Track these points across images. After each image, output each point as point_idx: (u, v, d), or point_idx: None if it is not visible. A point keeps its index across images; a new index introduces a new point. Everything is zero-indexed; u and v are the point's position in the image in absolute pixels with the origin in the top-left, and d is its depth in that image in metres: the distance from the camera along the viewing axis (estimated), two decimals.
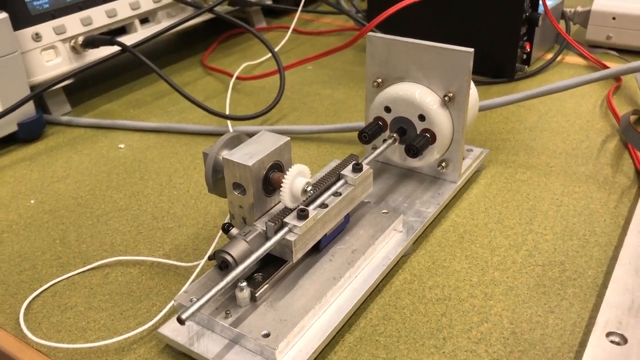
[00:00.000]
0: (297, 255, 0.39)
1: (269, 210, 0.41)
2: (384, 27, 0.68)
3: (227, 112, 0.68)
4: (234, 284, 0.37)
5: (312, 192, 0.39)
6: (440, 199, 0.49)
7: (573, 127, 0.63)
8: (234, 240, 0.38)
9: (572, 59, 0.79)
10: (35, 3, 0.65)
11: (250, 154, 0.39)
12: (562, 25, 0.82)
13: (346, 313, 0.39)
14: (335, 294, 0.40)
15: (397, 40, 0.49)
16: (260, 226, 0.39)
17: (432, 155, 0.50)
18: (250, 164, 0.38)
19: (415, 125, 0.49)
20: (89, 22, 0.69)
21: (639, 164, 0.55)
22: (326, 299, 0.39)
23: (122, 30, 0.75)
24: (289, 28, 0.88)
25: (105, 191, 0.56)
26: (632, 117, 0.60)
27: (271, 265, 0.40)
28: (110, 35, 0.71)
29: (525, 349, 0.38)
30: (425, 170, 0.53)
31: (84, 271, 0.46)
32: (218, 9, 0.77)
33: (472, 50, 0.46)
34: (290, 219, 0.39)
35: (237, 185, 0.40)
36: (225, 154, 0.40)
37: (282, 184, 0.38)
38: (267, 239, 0.38)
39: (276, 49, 0.81)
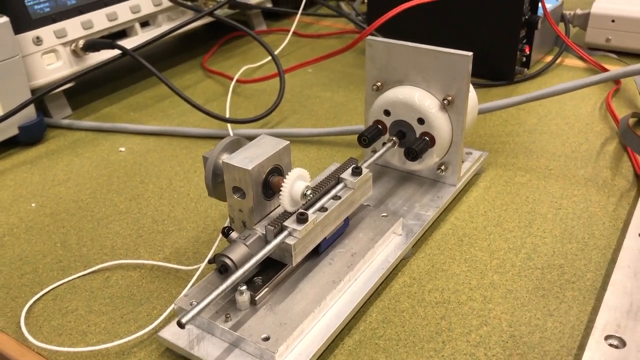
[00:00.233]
0: (297, 258, 0.39)
1: (268, 214, 0.41)
2: (383, 30, 0.68)
3: (227, 115, 0.68)
4: (234, 288, 0.37)
5: (311, 195, 0.39)
6: (439, 202, 0.50)
7: (572, 130, 0.63)
8: (233, 244, 0.38)
9: (571, 61, 0.79)
10: (36, 7, 0.65)
11: (250, 158, 0.39)
12: (561, 27, 0.82)
13: (346, 316, 0.39)
14: (334, 297, 0.40)
15: (396, 44, 0.49)
16: (260, 230, 0.40)
17: (431, 158, 0.50)
18: (249, 168, 0.38)
19: (415, 129, 0.49)
20: (90, 25, 0.69)
21: (638, 167, 0.55)
22: (326, 303, 0.39)
23: (123, 33, 0.75)
24: (289, 31, 0.88)
25: (106, 194, 0.56)
26: (631, 120, 0.60)
27: (271, 269, 0.41)
28: (110, 38, 0.71)
29: (524, 352, 0.38)
30: (424, 173, 0.53)
31: (84, 275, 0.46)
32: (218, 12, 0.77)
33: (470, 54, 0.47)
34: (289, 223, 0.39)
35: (236, 189, 0.40)
36: (225, 157, 0.40)
37: (281, 188, 0.39)
38: (267, 242, 0.39)
39: (276, 52, 0.81)
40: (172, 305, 0.41)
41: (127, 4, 0.73)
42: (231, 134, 0.64)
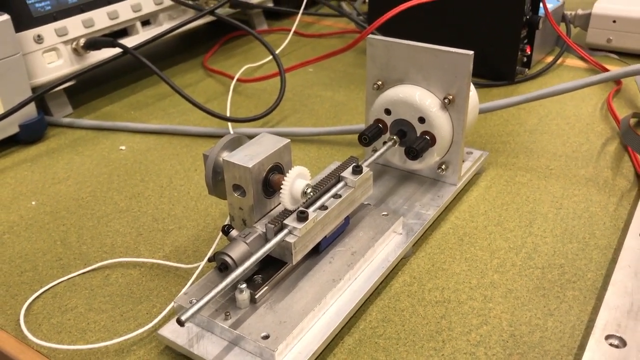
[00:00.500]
0: (297, 257, 0.39)
1: (268, 212, 0.41)
2: (384, 30, 0.68)
3: (228, 114, 0.68)
4: (234, 286, 0.37)
5: (312, 194, 0.39)
6: (440, 202, 0.50)
7: (573, 130, 0.63)
8: (233, 242, 0.38)
9: (572, 61, 0.79)
10: (37, 5, 0.65)
11: (250, 156, 0.39)
12: (562, 28, 0.82)
13: (345, 315, 0.39)
14: (334, 296, 0.40)
15: (397, 43, 0.49)
16: (260, 228, 0.39)
17: (432, 157, 0.50)
18: (250, 166, 0.38)
19: (415, 128, 0.49)
20: (91, 24, 0.69)
21: (638, 167, 0.55)
22: (325, 301, 0.39)
23: (124, 32, 0.75)
24: (290, 30, 0.88)
25: (106, 193, 0.56)
26: (632, 120, 0.60)
27: (271, 267, 0.40)
28: (111, 37, 0.71)
29: (524, 351, 0.38)
30: (425, 172, 0.53)
31: (84, 272, 0.46)
32: (219, 11, 0.77)
33: (471, 52, 0.46)
34: (290, 221, 0.39)
35: (237, 187, 0.40)
36: (226, 155, 0.40)
37: (282, 186, 0.39)
38: (267, 240, 0.39)
39: (277, 51, 0.81)
40: (172, 303, 0.41)
41: (128, 3, 0.73)
42: (232, 133, 0.64)
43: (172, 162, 0.60)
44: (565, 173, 0.55)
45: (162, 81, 0.66)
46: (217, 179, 0.42)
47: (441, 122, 0.48)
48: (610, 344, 0.36)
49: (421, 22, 0.74)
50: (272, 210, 0.42)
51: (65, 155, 0.63)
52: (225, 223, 0.42)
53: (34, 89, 0.65)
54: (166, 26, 0.77)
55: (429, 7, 0.64)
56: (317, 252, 0.43)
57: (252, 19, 0.95)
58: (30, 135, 0.65)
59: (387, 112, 0.50)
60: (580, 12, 0.82)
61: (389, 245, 0.45)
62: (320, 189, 0.42)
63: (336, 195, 0.42)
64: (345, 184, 0.43)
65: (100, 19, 0.70)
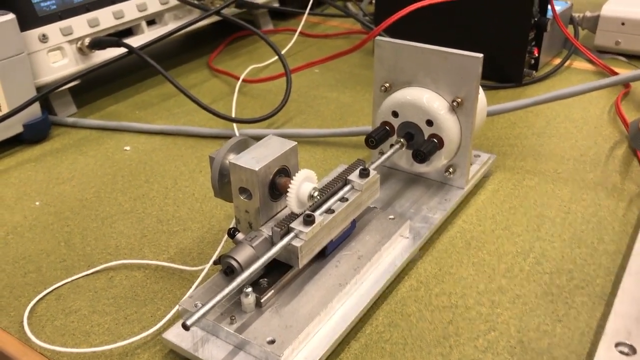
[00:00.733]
0: (303, 261, 0.39)
1: (275, 215, 0.41)
2: (391, 31, 0.68)
3: (234, 115, 0.68)
4: (239, 290, 0.37)
5: (318, 197, 0.39)
6: (447, 205, 0.49)
7: (581, 133, 0.62)
8: (239, 245, 0.38)
9: (580, 64, 0.78)
10: (42, 4, 0.65)
11: (257, 159, 0.39)
12: (570, 30, 0.81)
13: (352, 320, 0.39)
14: (341, 300, 0.40)
15: (405, 45, 0.49)
16: (266, 231, 0.39)
17: (439, 160, 0.49)
18: (257, 169, 0.38)
19: (423, 131, 0.49)
20: (96, 23, 0.69)
21: None
22: (332, 306, 0.39)
23: (129, 31, 0.75)
24: (295, 30, 0.88)
25: (111, 193, 0.55)
26: None
27: (277, 271, 0.40)
28: (116, 36, 0.71)
29: (532, 358, 0.37)
30: (432, 175, 0.52)
31: (88, 274, 0.46)
32: (225, 11, 0.77)
33: (481, 55, 0.46)
34: (296, 225, 0.38)
35: (243, 190, 0.39)
36: (232, 158, 0.40)
37: (288, 189, 0.38)
38: (273, 244, 0.38)
39: (283, 52, 0.81)
40: (177, 307, 0.40)
41: (134, 2, 0.73)
42: (237, 134, 0.63)
43: (177, 163, 0.60)
44: (573, 177, 0.55)
45: (167, 81, 0.66)
46: (224, 182, 0.41)
47: (449, 125, 0.48)
48: (620, 352, 0.36)
49: (429, 23, 0.74)
50: (278, 213, 0.41)
51: (70, 156, 0.62)
52: (231, 226, 0.41)
53: (38, 89, 0.65)
54: (172, 26, 0.77)
55: (436, 9, 0.64)
56: (324, 255, 0.42)
57: (258, 19, 0.95)
58: (34, 135, 0.65)
59: (395, 114, 0.50)
60: (588, 14, 0.82)
61: (395, 249, 0.44)
62: (327, 192, 0.41)
63: (343, 199, 0.42)
64: (352, 187, 0.43)
65: (106, 18, 0.70)
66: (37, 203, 0.55)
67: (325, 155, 0.60)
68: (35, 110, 0.64)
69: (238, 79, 0.76)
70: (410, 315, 0.41)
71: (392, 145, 0.49)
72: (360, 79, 0.78)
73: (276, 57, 0.80)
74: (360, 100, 0.72)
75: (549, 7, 0.72)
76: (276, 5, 0.94)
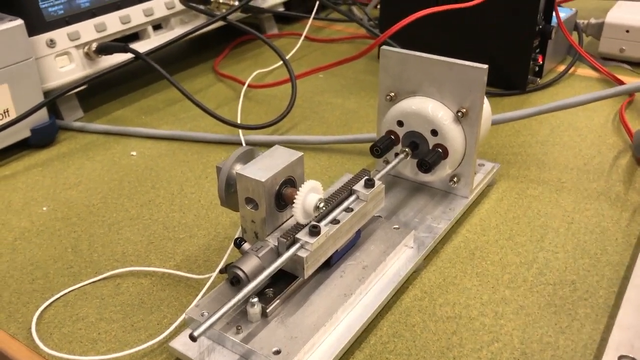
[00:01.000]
0: (309, 271, 0.39)
1: (280, 225, 0.41)
2: (396, 37, 0.68)
3: (239, 121, 0.68)
4: (245, 300, 0.37)
5: (324, 208, 0.39)
6: (451, 215, 0.49)
7: (585, 142, 0.62)
8: (246, 255, 0.38)
9: (584, 71, 0.79)
10: (50, 9, 0.65)
11: (263, 169, 0.39)
12: (575, 36, 0.81)
13: (356, 330, 0.39)
14: (345, 310, 0.40)
15: (410, 55, 0.49)
16: (272, 241, 0.39)
17: (444, 170, 0.50)
18: (263, 180, 0.38)
19: (428, 140, 0.49)
20: (103, 28, 0.69)
21: None
22: (337, 316, 0.39)
23: (135, 36, 0.75)
24: (300, 35, 0.88)
25: (117, 199, 0.56)
26: None
27: (282, 281, 0.40)
28: (123, 41, 0.71)
29: None
30: (436, 184, 0.53)
31: (95, 281, 0.46)
32: (230, 15, 0.77)
33: (486, 66, 0.46)
34: (302, 235, 0.39)
35: (249, 200, 0.40)
36: (239, 168, 0.40)
37: (294, 200, 0.39)
38: (279, 255, 0.39)
39: (288, 57, 0.81)
40: (183, 315, 0.41)
41: (141, 7, 0.73)
42: (242, 140, 0.64)
43: (183, 169, 0.60)
44: (577, 186, 0.55)
45: (173, 86, 0.66)
46: (230, 192, 0.42)
47: (454, 135, 0.48)
48: None
49: (434, 30, 0.74)
50: (284, 223, 0.42)
51: (77, 160, 0.63)
52: (237, 235, 0.42)
53: (45, 93, 0.65)
54: (178, 30, 0.77)
55: (441, 15, 0.64)
56: (329, 265, 0.43)
57: (263, 23, 0.95)
58: (41, 139, 0.65)
59: (400, 123, 0.50)
60: (593, 21, 0.82)
61: (400, 259, 0.45)
62: (333, 202, 0.42)
63: (348, 209, 0.42)
64: (357, 198, 0.43)
65: (112, 23, 0.70)
66: (45, 208, 0.55)
67: (330, 162, 0.61)
68: (42, 114, 0.65)
69: (243, 83, 0.76)
70: (414, 325, 0.41)
71: (397, 154, 0.50)
72: (365, 85, 0.78)
73: (281, 62, 0.80)
74: (365, 106, 0.72)
75: (554, 14, 0.72)
76: (281, 10, 0.94)
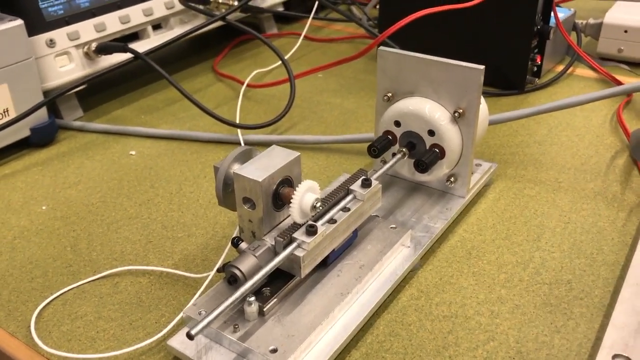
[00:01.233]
0: (305, 270, 0.39)
1: (277, 225, 0.42)
2: (394, 37, 0.68)
3: (238, 120, 0.69)
4: (243, 298, 0.38)
5: (321, 208, 0.40)
6: (448, 214, 0.50)
7: (582, 142, 0.63)
8: (243, 254, 0.39)
9: (582, 71, 0.79)
10: (50, 9, 0.66)
11: (260, 169, 0.39)
12: (573, 37, 0.81)
13: (353, 329, 0.39)
14: (342, 309, 0.40)
15: (407, 55, 0.49)
16: (269, 241, 0.40)
17: (441, 170, 0.50)
18: (260, 180, 0.38)
19: (425, 140, 0.49)
20: (103, 28, 0.70)
21: None
22: (333, 315, 0.39)
23: (135, 35, 0.75)
24: (300, 34, 0.88)
25: (116, 198, 0.56)
26: None
27: (279, 280, 0.41)
28: (122, 40, 0.72)
29: None
30: (433, 184, 0.53)
31: (94, 280, 0.46)
32: (229, 15, 0.77)
33: (482, 67, 0.47)
34: (299, 235, 0.39)
35: (247, 200, 0.40)
36: (236, 168, 0.40)
37: (291, 200, 0.39)
38: (276, 254, 0.39)
39: (287, 56, 0.81)
40: (181, 314, 0.41)
41: (140, 7, 0.73)
42: (241, 139, 0.64)
43: (182, 168, 0.61)
44: (574, 186, 0.55)
45: (172, 85, 0.67)
46: (228, 191, 0.42)
47: (451, 136, 0.48)
48: None
49: (432, 30, 0.74)
50: (281, 222, 0.42)
51: (76, 160, 0.63)
52: (235, 235, 0.42)
53: (45, 93, 0.66)
54: (177, 30, 0.78)
55: (440, 15, 0.64)
56: (325, 265, 0.43)
57: (262, 23, 0.96)
58: (41, 138, 0.65)
59: (397, 124, 0.50)
60: (591, 21, 0.82)
61: (397, 259, 0.45)
62: (330, 202, 0.42)
63: (345, 209, 0.42)
64: (354, 197, 0.43)
65: (112, 23, 0.71)
66: (44, 207, 0.55)
67: (328, 162, 0.61)
68: (42, 114, 0.65)
69: (242, 83, 0.76)
70: (411, 324, 0.41)
71: (394, 154, 0.50)
72: (364, 85, 0.78)
73: (280, 62, 0.80)
74: (364, 106, 0.72)
75: (552, 15, 0.72)
76: (281, 9, 0.94)
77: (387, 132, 0.51)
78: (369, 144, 0.50)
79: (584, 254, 0.47)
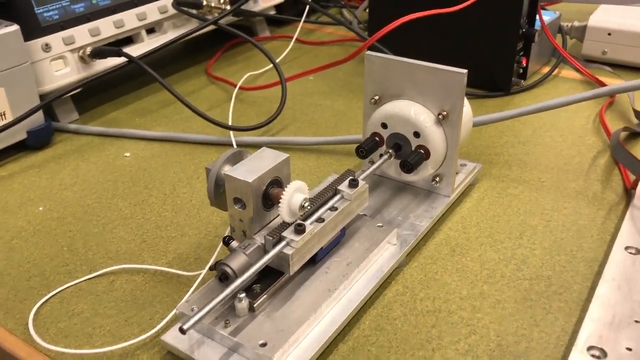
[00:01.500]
0: (294, 267, 0.41)
1: (268, 224, 0.43)
2: (384, 40, 0.70)
3: (230, 122, 0.70)
4: (234, 295, 0.39)
5: (309, 207, 0.41)
6: (433, 213, 0.51)
7: (566, 142, 0.64)
8: (234, 253, 0.40)
9: (568, 73, 0.81)
10: (45, 14, 0.67)
11: (250, 171, 0.41)
12: (558, 39, 0.83)
13: (340, 324, 0.41)
14: (330, 305, 0.42)
15: (394, 60, 0.51)
16: (259, 239, 0.41)
17: (426, 170, 0.52)
18: (250, 181, 0.40)
19: (411, 142, 0.51)
20: (97, 32, 0.71)
21: (627, 181, 0.57)
22: (321, 310, 0.41)
23: (129, 40, 0.77)
24: (291, 37, 0.90)
25: (111, 199, 0.58)
26: (623, 134, 0.62)
27: (269, 277, 0.42)
28: (117, 45, 0.73)
29: None
30: (419, 184, 0.55)
31: (90, 278, 0.48)
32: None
33: (465, 71, 0.48)
34: (288, 233, 0.41)
35: (237, 200, 0.42)
36: (227, 169, 0.42)
37: (280, 200, 0.40)
38: (266, 252, 0.40)
39: (279, 59, 0.83)
40: (174, 310, 0.42)
41: (134, 12, 0.75)
42: (233, 141, 0.65)
43: (175, 169, 0.62)
44: (556, 185, 0.57)
45: (165, 88, 0.68)
46: (219, 192, 0.43)
47: (435, 137, 0.50)
48: (592, 355, 0.38)
49: (420, 33, 0.76)
50: (271, 222, 0.43)
51: (72, 162, 0.64)
52: (226, 234, 0.43)
53: (41, 96, 0.67)
54: (170, 34, 0.79)
55: (427, 19, 0.66)
56: (314, 262, 0.44)
57: (255, 26, 0.97)
58: (37, 141, 0.67)
59: (384, 126, 0.52)
60: (576, 24, 0.84)
61: (383, 256, 0.47)
62: (318, 201, 0.44)
63: (332, 208, 0.44)
64: (342, 197, 0.45)
65: (106, 27, 0.72)
66: (41, 208, 0.57)
67: (318, 163, 0.63)
68: (38, 117, 0.66)
69: (235, 86, 0.78)
70: (396, 319, 0.43)
71: (381, 156, 0.52)
72: (354, 87, 0.80)
73: (272, 65, 0.82)
74: (354, 108, 0.74)
75: (538, 18, 0.74)
76: (273, 13, 0.96)
77: (375, 134, 0.53)
78: (357, 146, 0.52)
79: (564, 250, 0.49)
